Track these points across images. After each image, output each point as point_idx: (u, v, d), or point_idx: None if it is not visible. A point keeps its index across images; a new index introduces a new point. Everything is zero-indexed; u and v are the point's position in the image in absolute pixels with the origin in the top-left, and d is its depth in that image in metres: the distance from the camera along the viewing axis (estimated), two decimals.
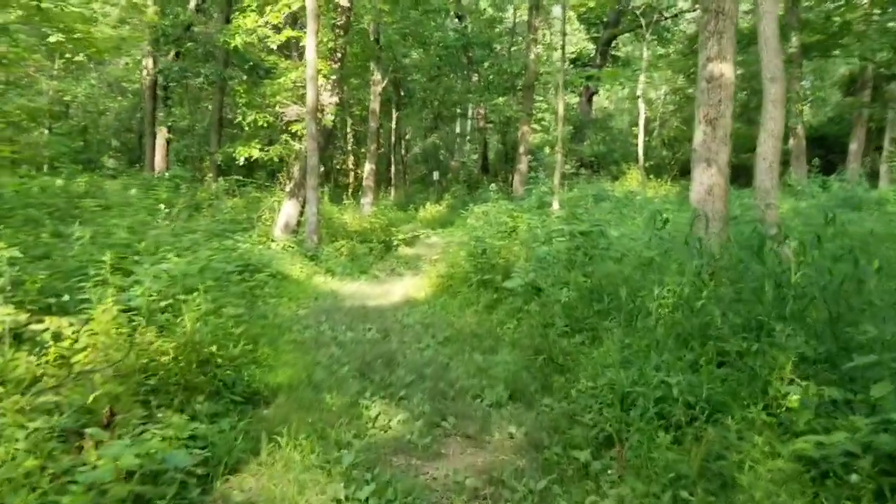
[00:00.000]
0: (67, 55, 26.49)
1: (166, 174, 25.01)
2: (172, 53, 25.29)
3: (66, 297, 5.14)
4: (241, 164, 19.62)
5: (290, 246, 14.46)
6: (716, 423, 3.97)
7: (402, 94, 32.59)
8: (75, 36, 15.63)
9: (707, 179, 8.35)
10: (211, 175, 24.04)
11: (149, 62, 25.12)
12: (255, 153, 15.82)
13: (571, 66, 35.30)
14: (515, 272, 7.47)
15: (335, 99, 16.10)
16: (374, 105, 22.58)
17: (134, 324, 4.74)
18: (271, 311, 8.82)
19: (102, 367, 4.11)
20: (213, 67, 22.58)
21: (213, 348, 4.98)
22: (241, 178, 24.10)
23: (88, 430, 3.54)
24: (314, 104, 14.33)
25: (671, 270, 5.81)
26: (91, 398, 3.85)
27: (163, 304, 5.15)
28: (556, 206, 15.40)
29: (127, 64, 29.33)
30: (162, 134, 28.35)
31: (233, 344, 5.31)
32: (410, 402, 5.29)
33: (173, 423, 3.80)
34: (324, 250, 14.69)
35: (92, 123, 37.45)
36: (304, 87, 14.63)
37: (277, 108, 16.15)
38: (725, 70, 8.42)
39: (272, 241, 14.87)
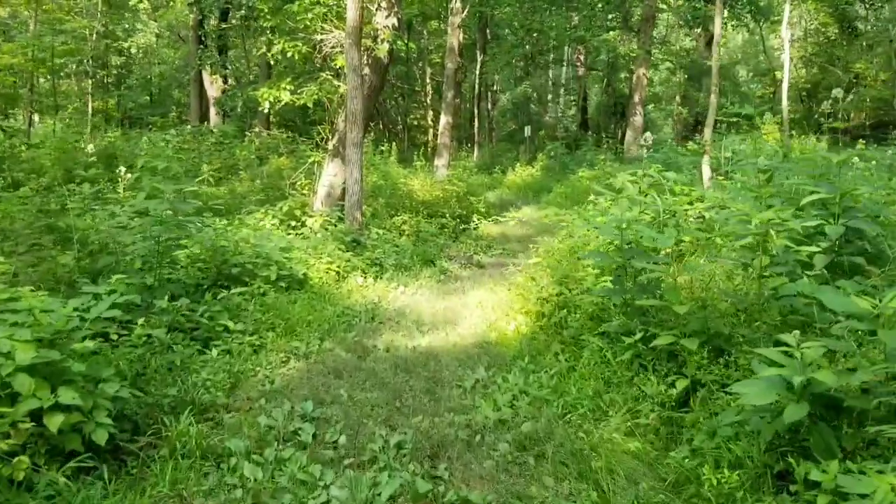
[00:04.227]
0: None
1: (214, 129, 21.45)
2: None
3: None
4: (282, 111, 15.61)
5: (331, 224, 10.14)
6: None
7: (489, 36, 27.65)
8: None
9: None
10: (257, 129, 20.02)
11: None
12: (285, 97, 11.48)
13: (687, 3, 29.41)
14: (763, 353, 2.84)
15: (392, 21, 11.55)
16: (453, 40, 17.89)
17: None
18: (209, 381, 4.51)
19: None
20: None
21: None
22: (291, 132, 20.10)
23: None
24: (357, 23, 9.91)
25: None
26: None
27: None
28: (706, 171, 10.49)
29: (171, 3, 25.55)
30: (217, 85, 24.72)
31: None
32: None
33: None
34: (371, 232, 10.35)
35: (154, 75, 34.44)
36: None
37: (318, 34, 11.71)
38: None
39: (308, 216, 10.61)
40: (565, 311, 5.39)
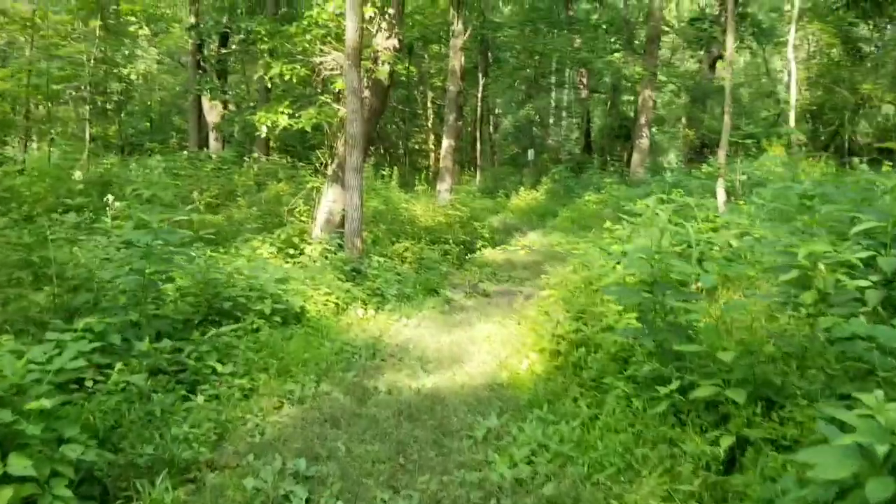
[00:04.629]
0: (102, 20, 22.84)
1: (212, 155, 21.16)
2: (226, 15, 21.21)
3: None
4: (281, 136, 15.32)
5: (330, 252, 9.71)
6: None
7: (490, 59, 27.43)
8: None
9: None
10: (256, 155, 19.69)
11: (192, 20, 21.14)
12: (282, 121, 11.13)
13: (690, 25, 29.24)
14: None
15: (393, 42, 11.24)
16: (455, 62, 17.59)
17: None
18: (192, 434, 4.07)
19: None
20: (258, 20, 18.06)
21: None
22: (290, 157, 19.79)
23: None
24: (356, 44, 9.56)
25: None
26: None
27: None
28: (721, 195, 10.09)
29: (170, 28, 25.41)
30: (217, 110, 24.44)
31: None
32: None
33: None
34: (372, 260, 9.93)
35: (154, 101, 34.27)
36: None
37: (317, 57, 11.38)
38: None
39: (306, 243, 10.19)
40: (583, 349, 4.95)
